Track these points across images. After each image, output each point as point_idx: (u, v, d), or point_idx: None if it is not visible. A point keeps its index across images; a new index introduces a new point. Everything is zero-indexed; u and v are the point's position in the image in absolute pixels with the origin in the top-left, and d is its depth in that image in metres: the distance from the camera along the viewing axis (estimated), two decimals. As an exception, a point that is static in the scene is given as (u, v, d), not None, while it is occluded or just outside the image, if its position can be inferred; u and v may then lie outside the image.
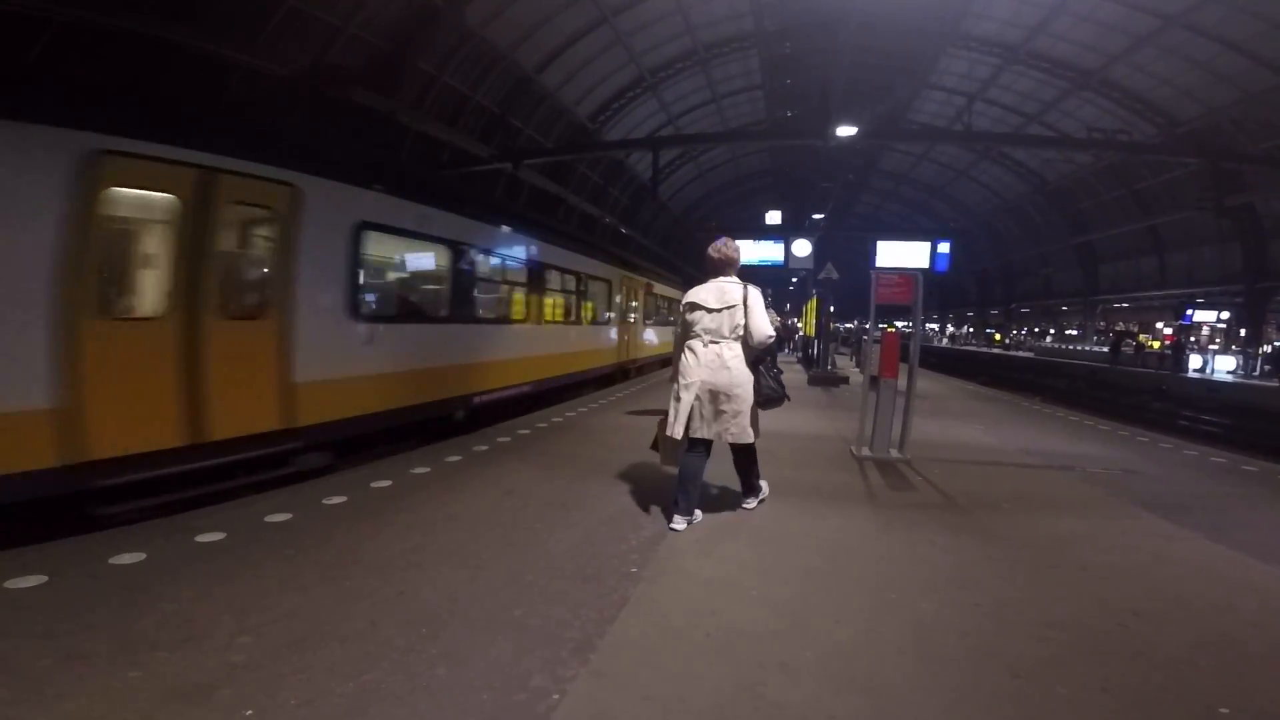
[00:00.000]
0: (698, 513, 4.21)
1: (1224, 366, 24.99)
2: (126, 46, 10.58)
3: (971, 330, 61.71)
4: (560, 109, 23.25)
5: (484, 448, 6.30)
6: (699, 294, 4.12)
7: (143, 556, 3.25)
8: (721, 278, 4.14)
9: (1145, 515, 4.80)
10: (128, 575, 3.06)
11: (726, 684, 2.35)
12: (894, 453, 6.51)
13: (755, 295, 4.08)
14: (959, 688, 2.38)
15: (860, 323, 26.46)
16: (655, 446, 4.49)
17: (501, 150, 19.00)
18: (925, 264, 13.50)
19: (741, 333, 4.06)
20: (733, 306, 4.03)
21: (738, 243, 4.33)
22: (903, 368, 6.78)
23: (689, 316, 4.13)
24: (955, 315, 67.09)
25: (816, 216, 23.99)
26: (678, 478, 4.12)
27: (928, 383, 15.72)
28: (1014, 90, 27.22)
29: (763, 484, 4.67)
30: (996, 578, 3.46)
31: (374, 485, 4.76)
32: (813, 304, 19.28)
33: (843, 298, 23.05)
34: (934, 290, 55.76)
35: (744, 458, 4.41)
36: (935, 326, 70.86)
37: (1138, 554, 3.95)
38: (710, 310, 4.05)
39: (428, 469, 5.33)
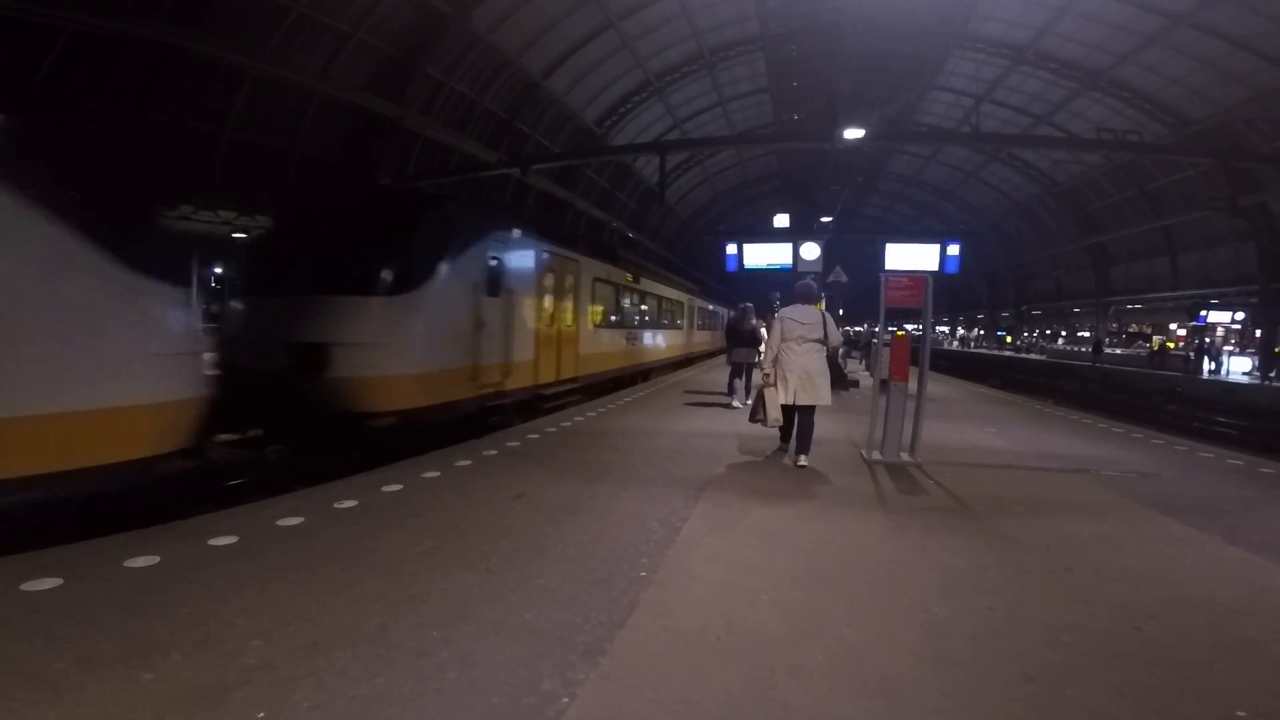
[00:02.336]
0: (802, 457, 6.18)
1: (1240, 368, 24.70)
2: (137, 54, 10.72)
3: (982, 332, 61.31)
4: (567, 113, 23.35)
5: (493, 452, 6.31)
6: (792, 313, 6.30)
7: (156, 560, 3.27)
8: (805, 304, 6.40)
9: (1161, 518, 4.75)
10: (141, 578, 3.08)
11: (737, 687, 2.34)
12: (905, 456, 6.47)
13: (829, 316, 6.40)
14: (971, 691, 2.36)
15: (870, 326, 26.35)
16: (752, 418, 6.70)
17: (510, 155, 19.09)
18: (935, 266, 13.41)
19: (822, 339, 6.20)
20: (814, 322, 6.20)
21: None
22: (913, 371, 6.75)
23: (784, 327, 6.24)
24: (966, 318, 66.68)
25: (825, 219, 23.92)
26: (796, 433, 6.27)
27: (938, 386, 15.62)
28: (1022, 91, 27.10)
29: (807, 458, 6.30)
30: (1009, 581, 3.43)
31: (385, 489, 4.78)
32: (820, 307, 19.19)
33: (852, 301, 22.90)
34: (944, 293, 55.35)
35: (810, 419, 6.30)
36: (946, 329, 70.47)
37: (1153, 557, 3.91)
38: (802, 323, 6.20)
39: (438, 473, 5.34)
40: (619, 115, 25.95)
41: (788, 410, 6.25)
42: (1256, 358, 24.84)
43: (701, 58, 25.21)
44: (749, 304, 11.21)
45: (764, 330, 10.30)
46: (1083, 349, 39.57)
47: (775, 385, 6.25)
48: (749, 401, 9.05)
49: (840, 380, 14.72)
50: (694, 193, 41.46)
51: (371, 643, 2.55)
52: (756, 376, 8.61)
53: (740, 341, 10.67)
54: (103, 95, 10.53)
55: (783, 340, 6.22)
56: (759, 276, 15.75)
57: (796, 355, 6.14)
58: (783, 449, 6.50)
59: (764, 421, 6.35)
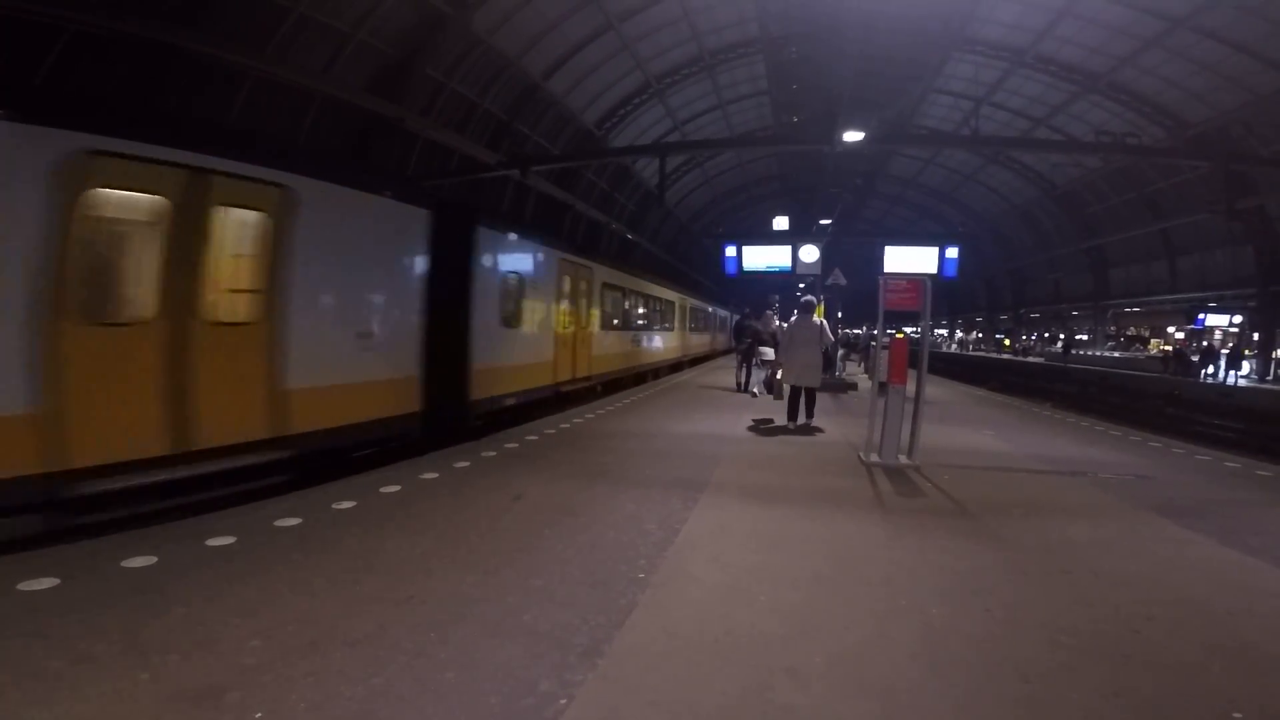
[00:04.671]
0: (802, 416, 8.77)
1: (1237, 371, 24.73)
2: (137, 54, 10.70)
3: (980, 335, 61.32)
4: (567, 115, 23.33)
5: (492, 454, 6.31)
6: (799, 322, 8.92)
7: (154, 560, 3.27)
8: (807, 315, 8.89)
9: (1158, 520, 4.76)
10: (139, 578, 3.08)
11: (735, 689, 2.34)
12: (903, 459, 6.47)
13: (825, 323, 9.17)
14: (969, 692, 2.36)
15: (868, 328, 26.30)
16: (769, 391, 10.45)
17: (510, 157, 19.06)
18: (934, 269, 13.44)
19: (819, 340, 8.76)
20: (815, 328, 8.79)
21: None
22: (911, 373, 6.75)
23: (793, 333, 8.90)
24: (964, 320, 66.70)
25: (824, 222, 23.91)
26: (804, 403, 8.78)
27: (937, 389, 15.63)
28: (1021, 94, 27.10)
29: (815, 415, 8.94)
30: (1007, 583, 3.44)
31: (383, 490, 4.78)
32: (820, 310, 19.15)
33: (851, 303, 22.87)
34: (943, 295, 55.09)
35: (813, 395, 8.93)
36: (944, 332, 70.49)
37: (1151, 559, 3.92)
38: (806, 329, 8.76)
39: (436, 474, 5.34)
40: (619, 117, 25.92)
41: (795, 392, 8.80)
42: (1255, 360, 24.74)
43: (701, 60, 25.20)
44: (749, 309, 14.76)
45: (768, 329, 13.17)
46: (1082, 351, 39.58)
47: (784, 371, 9.11)
48: (756, 389, 12.37)
49: (836, 380, 14.93)
50: (693, 195, 41.40)
51: (369, 643, 2.55)
52: (760, 371, 12.58)
53: (745, 337, 13.08)
54: (103, 95, 10.52)
55: (790, 342, 8.89)
56: (758, 279, 15.81)
57: (801, 353, 8.69)
58: (790, 423, 8.76)
59: (776, 395, 9.50)
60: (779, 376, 9.39)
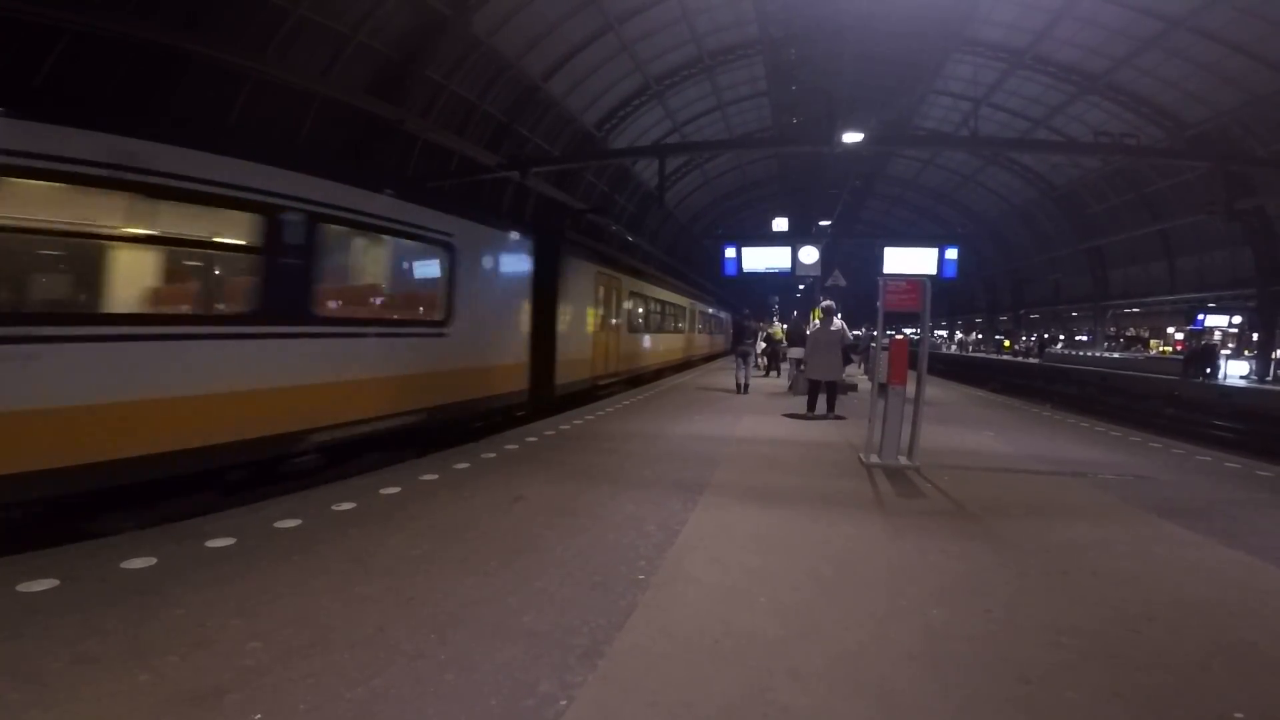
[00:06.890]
0: (826, 409, 9.92)
1: (1237, 371, 24.72)
2: (137, 56, 10.71)
3: (980, 336, 61.29)
4: (567, 117, 23.34)
5: (492, 455, 6.31)
6: (822, 325, 10.29)
7: (154, 561, 3.27)
8: (829, 318, 10.12)
9: (1158, 521, 4.76)
10: (139, 579, 3.08)
11: (735, 690, 2.34)
12: (903, 460, 6.46)
13: (846, 326, 10.38)
14: (969, 693, 2.36)
15: (868, 329, 26.19)
16: (791, 389, 12.89)
17: (509, 158, 19.05)
18: (933, 270, 13.46)
19: (840, 340, 9.98)
20: (837, 330, 9.99)
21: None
22: (911, 374, 6.75)
23: (817, 336, 10.22)
24: (964, 321, 66.69)
25: (823, 223, 23.91)
26: (825, 397, 9.98)
27: (936, 390, 15.64)
28: (1020, 95, 27.12)
29: (837, 411, 9.97)
30: (1008, 584, 3.44)
31: (382, 492, 4.78)
32: (816, 314, 19.16)
33: (850, 304, 22.87)
34: (942, 296, 54.93)
35: (834, 390, 10.17)
36: (944, 333, 70.49)
37: (1151, 559, 3.92)
38: (829, 332, 9.97)
39: (436, 475, 5.34)
40: (619, 119, 25.92)
41: (815, 385, 10.11)
42: (1254, 361, 24.67)
43: (701, 62, 25.20)
44: (748, 310, 16.91)
45: (767, 330, 14.95)
46: (1080, 352, 39.52)
47: (808, 368, 10.49)
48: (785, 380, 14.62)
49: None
50: (693, 196, 41.40)
51: (369, 645, 2.55)
52: (757, 368, 15.18)
53: (744, 336, 14.49)
54: (103, 97, 10.52)
55: (815, 343, 10.25)
56: (757, 280, 16.00)
57: (824, 354, 10.00)
58: (809, 413, 9.90)
59: (798, 390, 11.01)
60: (801, 371, 11.42)
